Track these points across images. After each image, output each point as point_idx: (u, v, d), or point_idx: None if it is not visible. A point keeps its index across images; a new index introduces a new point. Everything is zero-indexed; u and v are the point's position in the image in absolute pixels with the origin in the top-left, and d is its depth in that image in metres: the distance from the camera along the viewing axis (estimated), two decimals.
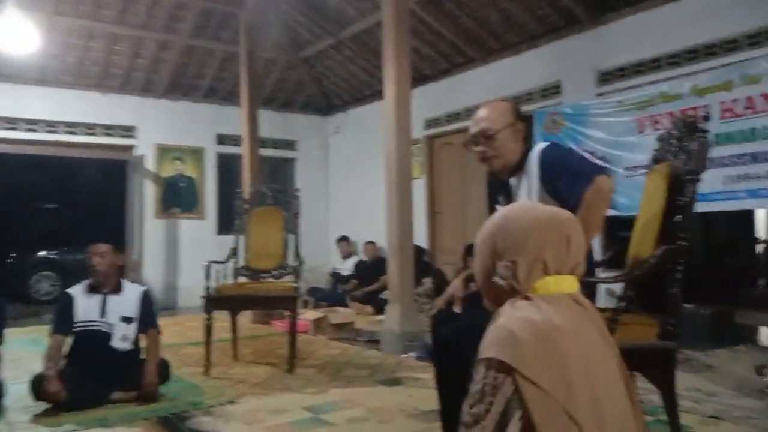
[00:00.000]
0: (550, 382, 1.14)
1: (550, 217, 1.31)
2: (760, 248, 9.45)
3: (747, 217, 7.95)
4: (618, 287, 2.19)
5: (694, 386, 3.42)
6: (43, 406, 3.28)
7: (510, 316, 1.24)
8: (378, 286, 7.48)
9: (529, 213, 1.32)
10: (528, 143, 2.36)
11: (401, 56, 5.06)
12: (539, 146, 2.30)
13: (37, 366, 3.44)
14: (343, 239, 8.84)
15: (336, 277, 8.67)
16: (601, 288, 2.91)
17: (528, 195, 2.27)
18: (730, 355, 4.24)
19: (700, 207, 2.26)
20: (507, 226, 1.32)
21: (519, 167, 2.33)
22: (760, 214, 8.87)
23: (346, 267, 8.59)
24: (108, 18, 7.54)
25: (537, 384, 1.13)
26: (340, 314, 6.07)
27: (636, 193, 5.21)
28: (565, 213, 1.34)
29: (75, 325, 3.45)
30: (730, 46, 5.11)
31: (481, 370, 1.19)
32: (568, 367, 1.16)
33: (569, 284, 1.30)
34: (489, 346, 1.21)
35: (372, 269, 7.96)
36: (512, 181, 2.39)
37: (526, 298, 1.27)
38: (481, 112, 2.35)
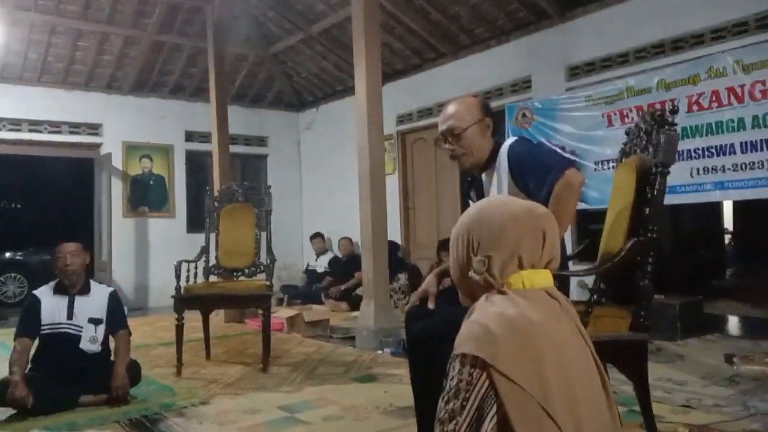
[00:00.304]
0: (525, 377, 1.13)
1: (526, 212, 1.30)
2: (727, 239, 9.67)
3: (714, 209, 8.12)
4: (590, 279, 2.20)
5: (665, 376, 3.48)
6: (9, 411, 3.19)
7: (485, 311, 1.23)
8: (353, 282, 7.47)
9: (505, 207, 1.31)
10: (497, 138, 2.36)
11: (372, 51, 5.04)
12: (508, 141, 2.29)
13: (3, 370, 3.34)
14: (317, 236, 8.79)
15: (310, 274, 8.62)
16: (573, 280, 2.94)
17: (498, 190, 2.27)
18: (700, 344, 4.31)
19: (669, 199, 2.29)
20: (482, 221, 1.31)
21: (489, 163, 2.32)
22: (727, 206, 9.09)
23: (321, 264, 8.55)
24: (71, 13, 7.37)
25: (512, 379, 1.12)
26: (315, 312, 6.04)
27: (606, 186, 5.28)
28: (541, 208, 1.33)
29: (42, 327, 3.36)
30: (696, 40, 5.20)
31: (456, 366, 1.19)
32: (543, 362, 1.16)
33: (544, 278, 1.30)
34: (464, 342, 1.20)
35: (346, 266, 7.93)
36: (483, 176, 2.38)
37: (501, 292, 1.27)
38: (449, 110, 2.33)
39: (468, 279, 1.32)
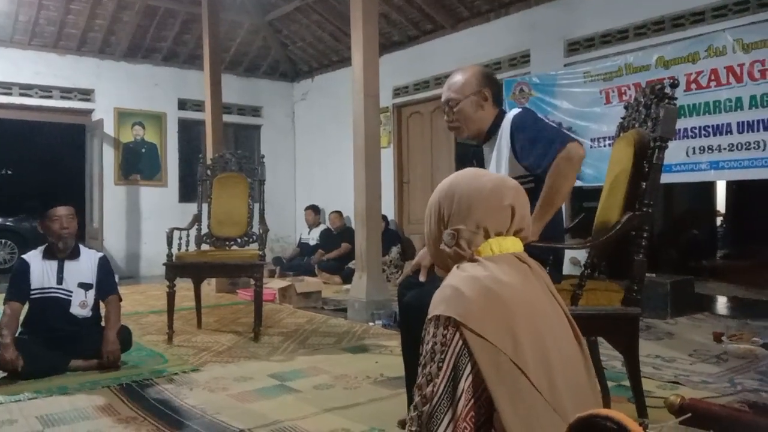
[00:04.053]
0: (496, 334, 1.15)
1: (494, 187, 1.32)
2: (719, 220, 9.72)
3: (707, 189, 8.15)
4: (582, 256, 2.20)
5: (654, 353, 3.51)
6: None
7: (456, 276, 1.26)
8: (339, 253, 7.51)
9: (474, 182, 1.34)
10: (500, 108, 2.33)
11: (369, 21, 4.96)
12: (512, 112, 2.27)
13: None
14: (310, 208, 8.74)
15: (303, 247, 8.60)
16: (565, 256, 2.93)
17: (497, 162, 2.26)
18: (689, 323, 4.34)
19: (663, 178, 2.28)
20: (452, 195, 1.34)
21: (492, 133, 2.30)
22: (720, 187, 9.11)
23: (313, 237, 8.53)
24: None
25: (484, 336, 1.14)
26: (307, 283, 6.04)
27: (602, 164, 5.27)
28: (511, 182, 1.35)
29: (32, 291, 3.34)
30: (697, 18, 5.15)
31: (431, 330, 1.21)
32: (513, 320, 1.18)
33: (512, 244, 1.33)
34: (436, 305, 1.23)
35: (338, 238, 7.93)
36: (485, 148, 2.36)
37: (473, 260, 1.29)
38: (450, 79, 2.34)
39: (441, 251, 1.35)
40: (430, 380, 1.16)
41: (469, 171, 1.41)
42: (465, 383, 1.13)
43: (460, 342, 1.15)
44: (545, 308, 1.26)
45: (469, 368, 1.13)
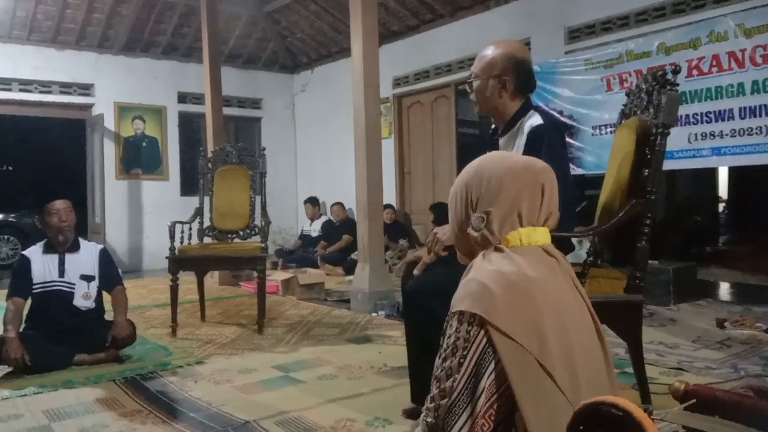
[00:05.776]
0: (522, 333, 1.13)
1: (525, 166, 1.29)
2: (721, 207, 9.70)
3: (709, 175, 8.13)
4: (583, 243, 2.19)
5: (657, 339, 3.51)
6: (4, 369, 3.19)
7: (482, 269, 1.23)
8: (341, 244, 7.51)
9: (504, 162, 1.30)
10: (525, 98, 2.19)
11: (368, 11, 4.93)
12: (535, 120, 2.10)
13: None
14: (309, 201, 8.71)
15: (305, 239, 8.60)
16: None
17: None
18: (692, 309, 4.34)
19: (665, 165, 2.27)
20: (481, 176, 1.29)
21: (513, 124, 2.18)
22: (722, 173, 9.09)
23: (315, 229, 8.53)
24: None
25: (510, 336, 1.12)
26: (310, 275, 6.04)
27: (603, 151, 5.26)
28: (540, 163, 1.32)
29: (34, 286, 3.35)
30: (698, 3, 5.12)
31: (454, 324, 1.18)
32: (540, 318, 1.16)
33: (541, 236, 1.29)
34: (461, 300, 1.20)
35: (340, 230, 7.93)
36: (500, 140, 2.27)
37: (498, 249, 1.26)
38: (482, 50, 2.21)
39: (466, 237, 1.31)
40: (450, 375, 1.15)
41: (496, 153, 1.38)
42: (487, 381, 1.12)
43: (485, 340, 1.14)
44: (570, 303, 1.24)
45: (492, 366, 1.13)
